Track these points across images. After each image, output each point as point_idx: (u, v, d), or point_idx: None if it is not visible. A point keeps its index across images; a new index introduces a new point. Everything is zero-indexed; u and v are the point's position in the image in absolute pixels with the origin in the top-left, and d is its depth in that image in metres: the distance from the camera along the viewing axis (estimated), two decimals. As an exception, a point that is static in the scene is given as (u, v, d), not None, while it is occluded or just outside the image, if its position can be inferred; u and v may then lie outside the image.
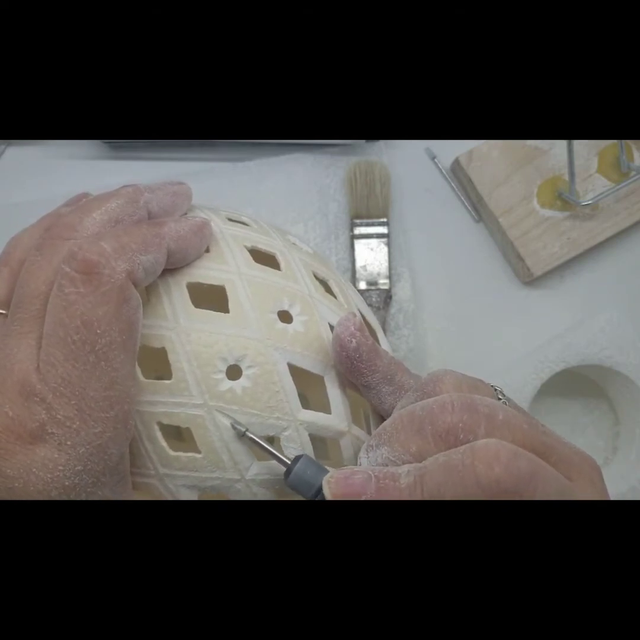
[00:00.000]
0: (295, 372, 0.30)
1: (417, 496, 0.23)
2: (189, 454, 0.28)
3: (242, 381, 0.28)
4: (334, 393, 0.31)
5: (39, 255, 0.27)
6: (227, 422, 0.28)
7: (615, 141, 0.53)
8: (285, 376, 0.29)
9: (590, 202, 0.50)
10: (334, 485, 0.25)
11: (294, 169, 0.53)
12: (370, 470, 0.25)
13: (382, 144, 0.54)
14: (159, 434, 0.28)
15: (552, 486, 0.23)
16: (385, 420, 0.31)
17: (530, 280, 0.52)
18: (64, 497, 0.25)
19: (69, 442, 0.24)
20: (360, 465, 0.27)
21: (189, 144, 0.54)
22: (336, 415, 0.30)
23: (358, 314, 0.32)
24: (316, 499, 0.26)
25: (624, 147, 0.52)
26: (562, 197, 0.52)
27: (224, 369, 0.28)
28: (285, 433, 0.29)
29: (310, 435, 0.29)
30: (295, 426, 0.29)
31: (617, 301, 0.52)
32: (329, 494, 0.25)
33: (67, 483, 0.25)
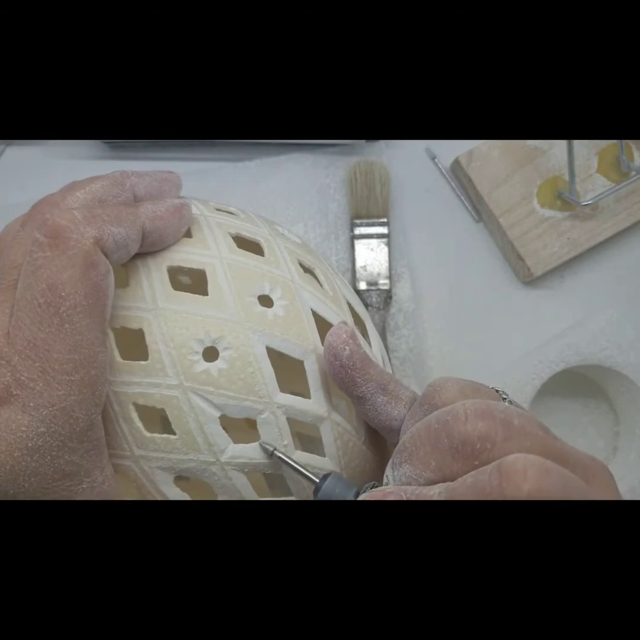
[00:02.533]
0: (280, 360, 0.30)
1: None
2: (164, 436, 0.28)
3: (218, 363, 0.28)
4: (313, 377, 0.30)
5: (21, 230, 0.28)
6: (202, 404, 0.28)
7: (615, 141, 0.53)
8: (263, 359, 0.29)
9: (590, 202, 0.50)
10: None
11: (294, 169, 0.53)
12: (402, 491, 0.25)
13: (382, 144, 0.54)
14: (134, 415, 0.28)
15: (579, 497, 0.23)
16: (379, 433, 0.31)
17: (530, 280, 0.52)
18: (27, 458, 0.25)
19: (31, 404, 0.25)
20: (386, 483, 0.27)
21: (189, 144, 0.54)
22: (315, 400, 0.30)
23: (350, 323, 0.32)
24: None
25: (624, 147, 0.52)
26: (562, 197, 0.52)
27: (200, 350, 0.28)
28: (262, 416, 0.29)
29: (289, 419, 0.29)
30: (272, 410, 0.29)
31: (617, 301, 0.52)
32: None
33: (30, 444, 0.25)
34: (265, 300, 0.30)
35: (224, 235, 0.31)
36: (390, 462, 0.27)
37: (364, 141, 0.53)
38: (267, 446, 0.28)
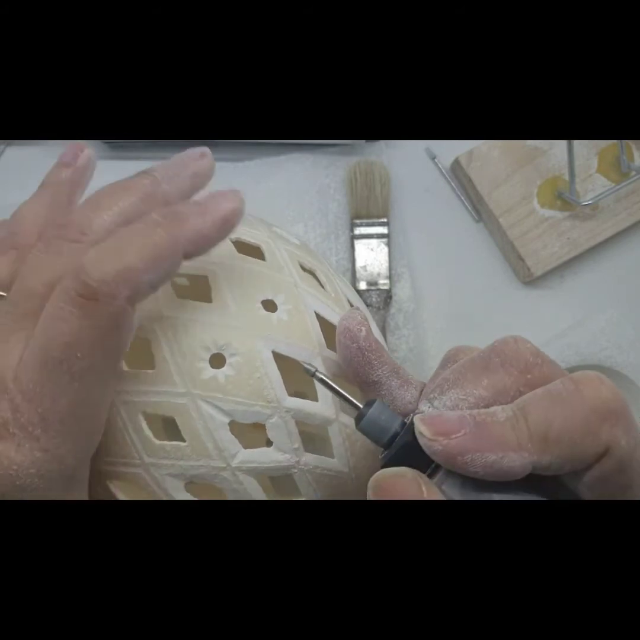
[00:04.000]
0: (283, 361, 0.29)
1: (522, 427, 0.23)
2: (174, 443, 0.28)
3: (225, 369, 0.28)
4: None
5: (43, 251, 0.26)
6: (211, 411, 0.28)
7: (615, 141, 0.53)
8: (270, 364, 0.29)
9: (590, 202, 0.50)
10: (431, 422, 0.24)
11: (294, 169, 0.53)
12: (458, 411, 0.24)
13: (382, 144, 0.54)
14: (144, 424, 0.28)
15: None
16: None
17: (530, 280, 0.52)
18: (14, 494, 0.25)
19: (27, 445, 0.24)
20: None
21: (189, 144, 0.54)
22: (323, 403, 0.30)
23: (361, 310, 0.32)
24: (389, 445, 0.25)
25: (624, 147, 0.52)
26: (562, 197, 0.52)
27: (207, 357, 0.28)
28: (271, 420, 0.29)
29: (298, 423, 0.29)
30: (281, 414, 0.29)
31: (617, 301, 0.52)
32: (426, 431, 0.23)
33: (17, 483, 0.25)
34: (269, 305, 0.30)
35: (224, 241, 0.31)
36: (425, 399, 0.26)
37: (364, 141, 0.53)
38: (308, 367, 0.27)
